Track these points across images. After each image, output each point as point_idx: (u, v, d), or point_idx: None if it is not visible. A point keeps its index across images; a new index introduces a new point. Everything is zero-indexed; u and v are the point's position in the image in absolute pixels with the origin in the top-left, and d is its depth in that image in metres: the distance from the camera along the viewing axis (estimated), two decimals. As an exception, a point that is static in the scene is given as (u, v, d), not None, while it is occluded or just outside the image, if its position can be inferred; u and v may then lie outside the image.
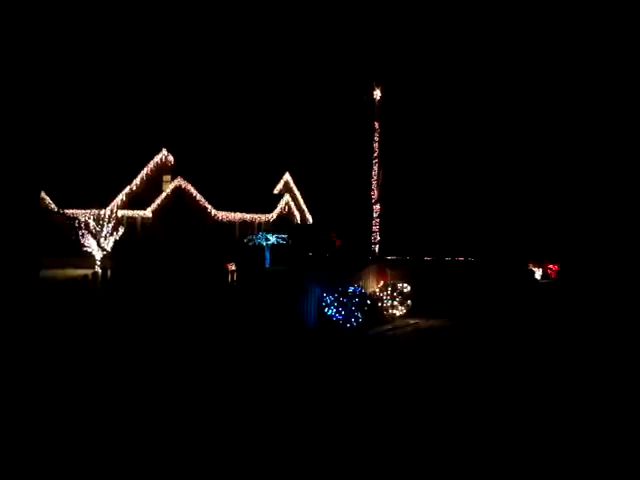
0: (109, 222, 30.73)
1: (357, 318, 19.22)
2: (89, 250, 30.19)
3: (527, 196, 59.24)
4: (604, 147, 65.51)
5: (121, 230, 31.41)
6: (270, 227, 41.89)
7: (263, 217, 42.66)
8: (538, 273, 41.58)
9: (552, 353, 15.09)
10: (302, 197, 48.51)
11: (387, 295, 21.99)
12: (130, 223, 41.01)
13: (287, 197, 44.94)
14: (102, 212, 30.52)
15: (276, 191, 46.31)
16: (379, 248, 38.19)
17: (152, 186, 42.04)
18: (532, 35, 78.24)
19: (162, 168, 42.83)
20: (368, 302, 19.94)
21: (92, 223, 30.45)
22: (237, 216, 41.67)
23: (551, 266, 43.17)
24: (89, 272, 23.81)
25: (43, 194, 40.54)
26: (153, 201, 41.23)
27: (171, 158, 42.85)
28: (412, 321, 21.56)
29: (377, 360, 13.96)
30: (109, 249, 30.52)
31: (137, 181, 42.02)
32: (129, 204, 41.46)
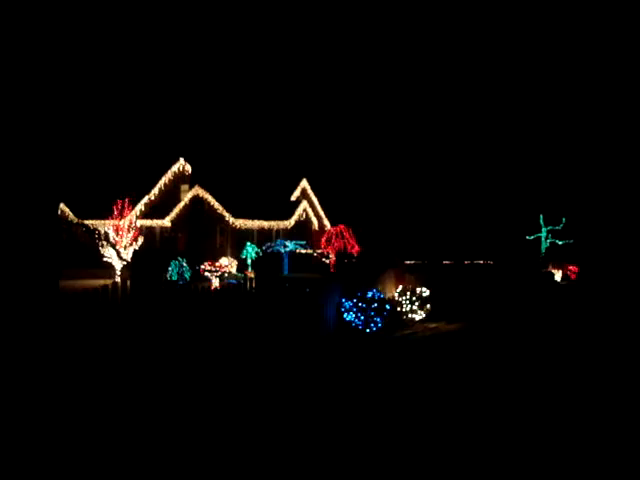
0: (128, 232, 30.91)
1: (376, 323, 19.16)
2: (109, 261, 30.38)
3: (544, 198, 58.85)
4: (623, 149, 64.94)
5: (140, 240, 31.57)
6: (288, 234, 42.00)
7: (281, 224, 42.77)
8: (558, 275, 41.28)
9: (575, 356, 14.96)
10: (319, 203, 48.59)
11: (406, 299, 21.90)
12: (149, 233, 41.32)
13: (305, 203, 45.01)
14: (121, 222, 30.74)
15: (293, 198, 46.42)
16: (398, 252, 38.11)
17: (170, 196, 42.38)
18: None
19: (180, 177, 43.16)
20: (387, 307, 19.88)
21: (112, 233, 30.65)
22: (255, 224, 41.83)
23: (571, 268, 42.85)
24: (109, 282, 24.00)
25: (62, 205, 40.96)
26: (171, 210, 41.53)
27: (189, 167, 43.16)
28: (432, 325, 21.46)
29: (400, 361, 13.92)
30: (129, 259, 30.68)
31: (155, 191, 42.36)
32: (148, 214, 41.78)
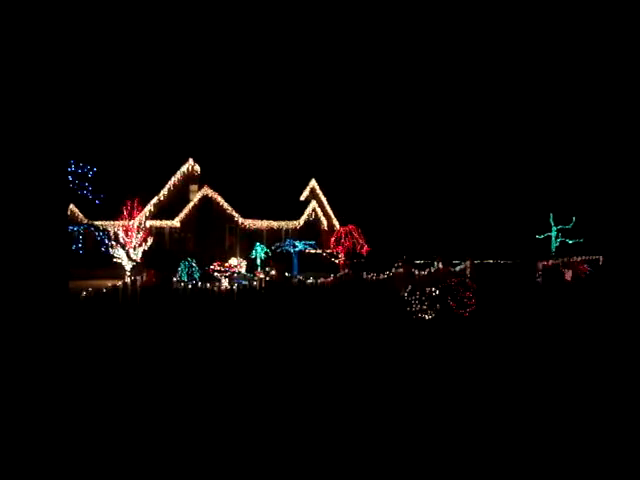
0: (138, 233, 30.96)
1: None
2: (119, 261, 30.45)
3: (554, 197, 58.63)
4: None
5: (150, 241, 31.62)
6: (297, 234, 41.98)
7: (290, 224, 42.75)
8: (568, 274, 41.09)
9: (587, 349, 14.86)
10: (328, 203, 48.53)
11: (415, 299, 21.83)
12: (158, 233, 41.36)
13: (314, 203, 44.96)
14: (130, 223, 30.79)
15: (302, 198, 46.38)
16: (407, 252, 38.03)
17: (179, 196, 42.39)
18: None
19: (189, 178, 43.16)
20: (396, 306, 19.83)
21: (121, 234, 30.71)
22: (264, 224, 41.84)
23: (581, 267, 42.66)
24: (118, 283, 23.99)
25: (72, 206, 41.09)
26: (181, 211, 41.55)
27: (198, 168, 43.14)
28: (440, 325, 21.38)
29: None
30: (138, 260, 30.73)
31: (164, 191, 42.38)
32: (157, 214, 41.81)
